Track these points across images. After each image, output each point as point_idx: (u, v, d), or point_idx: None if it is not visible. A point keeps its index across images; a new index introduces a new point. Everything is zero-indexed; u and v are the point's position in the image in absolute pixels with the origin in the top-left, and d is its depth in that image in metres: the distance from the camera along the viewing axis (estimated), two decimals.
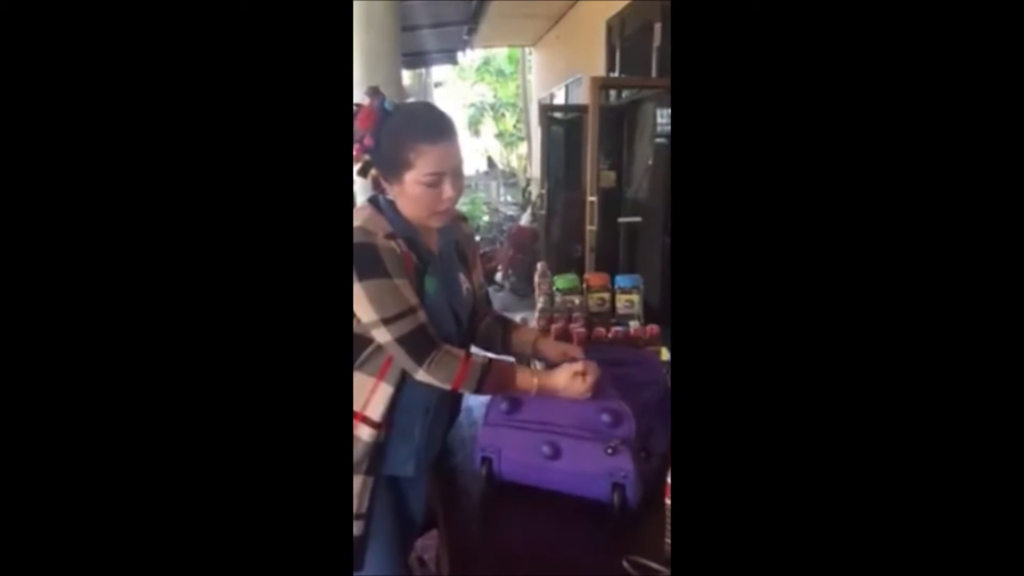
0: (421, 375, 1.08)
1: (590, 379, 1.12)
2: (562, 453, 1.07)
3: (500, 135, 12.83)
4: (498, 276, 5.87)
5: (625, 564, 0.91)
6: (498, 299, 5.68)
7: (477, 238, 6.01)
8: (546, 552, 0.99)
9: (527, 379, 1.13)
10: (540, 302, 1.80)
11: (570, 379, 1.12)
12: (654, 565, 0.89)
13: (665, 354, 1.74)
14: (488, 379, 1.11)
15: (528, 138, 9.34)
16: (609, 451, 1.03)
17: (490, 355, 1.16)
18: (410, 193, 1.09)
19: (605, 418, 1.06)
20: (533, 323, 1.73)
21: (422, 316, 1.08)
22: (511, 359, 1.22)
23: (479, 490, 1.16)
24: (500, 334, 1.33)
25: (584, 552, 0.99)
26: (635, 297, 1.80)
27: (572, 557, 0.97)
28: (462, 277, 1.25)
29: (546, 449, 1.08)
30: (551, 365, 1.21)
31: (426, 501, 1.26)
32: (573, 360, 1.16)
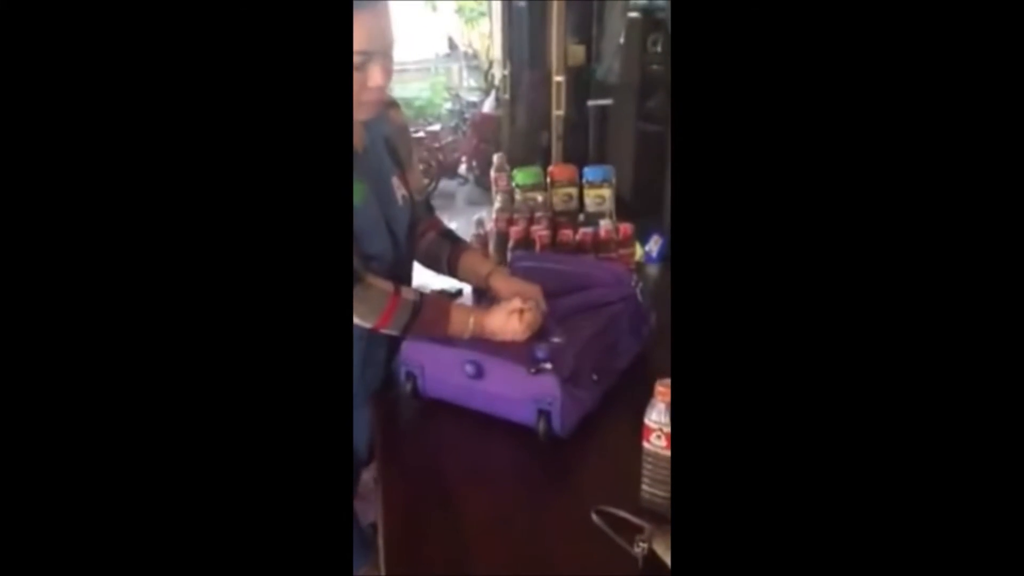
0: None
1: (528, 317, 0.98)
2: (485, 373, 0.96)
3: (460, 11, 11.94)
4: (462, 168, 5.58)
5: (594, 517, 0.78)
6: (463, 192, 5.44)
7: (437, 127, 5.69)
8: (491, 480, 0.92)
9: (462, 321, 0.99)
10: (497, 201, 1.59)
11: (505, 318, 0.98)
12: (627, 516, 0.77)
13: (638, 252, 1.59)
14: (417, 321, 0.97)
15: (490, 13, 8.65)
16: (533, 371, 0.92)
17: (423, 291, 1.02)
18: None
19: (540, 354, 0.94)
20: (491, 224, 1.54)
21: None
22: (446, 299, 1.06)
23: (410, 410, 1.06)
24: (447, 255, 1.15)
25: (533, 481, 0.91)
26: (606, 192, 1.61)
27: (517, 487, 0.90)
28: (396, 181, 1.05)
29: (469, 368, 0.96)
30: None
31: (370, 432, 1.13)
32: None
